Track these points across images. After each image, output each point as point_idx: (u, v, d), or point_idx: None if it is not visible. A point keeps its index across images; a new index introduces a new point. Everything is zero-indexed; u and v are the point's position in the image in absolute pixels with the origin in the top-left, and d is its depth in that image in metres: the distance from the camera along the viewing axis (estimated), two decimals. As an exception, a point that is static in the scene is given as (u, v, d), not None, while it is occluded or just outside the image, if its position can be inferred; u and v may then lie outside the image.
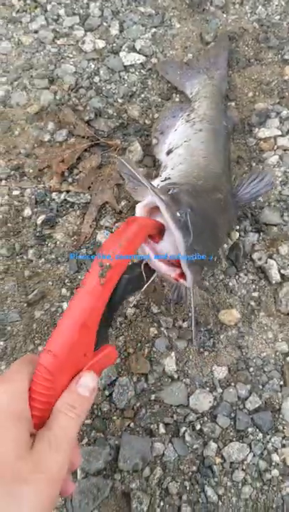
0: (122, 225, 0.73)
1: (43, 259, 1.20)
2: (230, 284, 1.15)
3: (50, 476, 0.50)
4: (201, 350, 1.08)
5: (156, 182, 1.04)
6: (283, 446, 0.99)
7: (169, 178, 1.06)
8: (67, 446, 0.54)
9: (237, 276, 1.15)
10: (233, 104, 1.41)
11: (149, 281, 0.80)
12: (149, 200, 0.85)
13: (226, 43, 1.48)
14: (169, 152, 1.22)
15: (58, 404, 0.58)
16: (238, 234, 1.19)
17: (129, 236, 0.70)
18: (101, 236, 1.21)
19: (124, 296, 0.74)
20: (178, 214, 0.79)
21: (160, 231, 0.82)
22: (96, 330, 0.64)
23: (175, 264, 0.82)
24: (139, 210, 0.86)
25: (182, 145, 1.19)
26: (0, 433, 0.50)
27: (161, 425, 1.01)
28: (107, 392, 1.05)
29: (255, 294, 1.14)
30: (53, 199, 1.28)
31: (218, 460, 0.98)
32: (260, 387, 1.04)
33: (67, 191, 1.28)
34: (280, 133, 1.33)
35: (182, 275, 0.81)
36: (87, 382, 0.61)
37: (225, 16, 1.56)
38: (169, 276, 0.82)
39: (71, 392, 0.59)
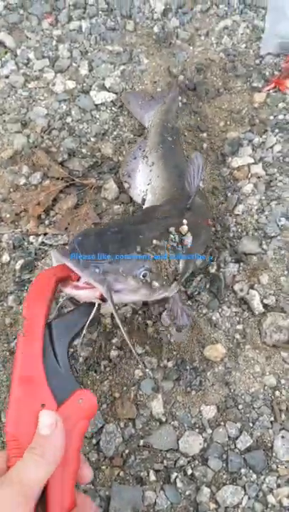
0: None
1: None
2: (214, 318, 1.13)
3: None
4: (188, 389, 1.05)
5: None
6: (278, 486, 0.95)
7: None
8: (19, 487, 0.56)
9: (220, 310, 1.14)
10: (204, 134, 1.42)
11: (91, 316, 0.80)
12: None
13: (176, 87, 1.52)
14: (143, 202, 1.24)
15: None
16: (216, 266, 1.18)
17: (31, 290, 0.76)
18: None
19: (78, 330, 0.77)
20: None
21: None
22: (44, 378, 0.67)
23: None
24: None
25: (148, 190, 1.22)
26: None
27: (151, 472, 0.98)
28: (94, 441, 1.01)
29: (240, 327, 1.12)
30: (31, 242, 1.27)
31: (213, 505, 0.94)
32: (251, 424, 1.01)
33: (45, 234, 1.27)
34: (252, 161, 1.33)
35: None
36: (44, 421, 0.63)
37: (191, 48, 1.58)
38: (93, 298, 0.80)
39: (35, 435, 0.62)
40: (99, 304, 0.81)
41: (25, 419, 0.64)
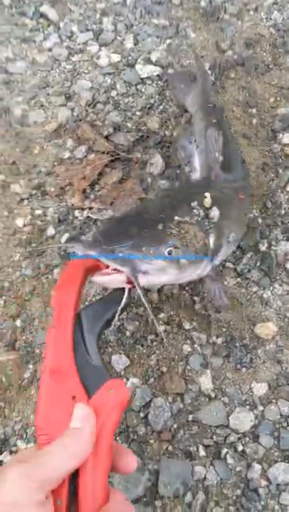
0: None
1: (69, 279, 1.17)
2: (265, 295, 1.10)
3: None
4: (238, 366, 1.03)
5: None
6: None
7: None
8: (37, 470, 0.54)
9: (271, 288, 1.11)
10: (254, 110, 1.38)
11: (122, 303, 0.76)
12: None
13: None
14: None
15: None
16: (266, 243, 1.15)
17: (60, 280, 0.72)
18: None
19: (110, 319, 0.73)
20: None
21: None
22: (75, 370, 0.65)
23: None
24: None
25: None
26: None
27: (201, 447, 0.96)
28: (142, 414, 1.00)
29: (292, 306, 1.09)
30: (76, 217, 1.25)
31: (264, 482, 0.93)
32: (303, 403, 0.99)
33: (90, 208, 1.26)
34: (304, 137, 1.29)
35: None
36: (77, 413, 0.61)
37: (240, 23, 1.54)
38: (122, 283, 0.77)
39: (68, 427, 0.60)
40: (130, 290, 0.77)
41: (56, 413, 0.62)
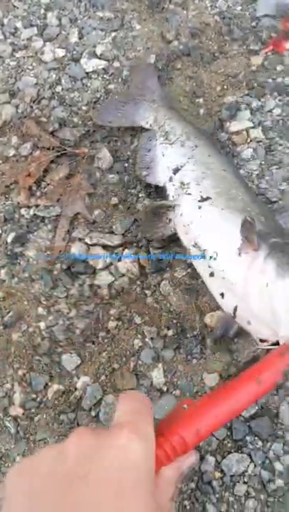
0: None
1: (16, 279, 1.14)
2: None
3: None
4: (189, 358, 1.01)
5: (188, 201, 1.07)
6: (285, 452, 0.92)
7: (210, 198, 1.05)
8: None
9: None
10: (201, 100, 1.37)
11: None
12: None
13: (150, 68, 1.41)
14: (176, 171, 1.16)
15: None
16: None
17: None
18: (75, 248, 1.15)
19: None
20: None
21: None
22: None
23: None
24: None
25: (189, 162, 1.15)
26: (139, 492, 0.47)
27: (153, 443, 0.94)
28: (93, 413, 0.98)
29: (241, 293, 1.08)
30: (22, 215, 1.22)
31: (218, 474, 0.91)
32: (255, 391, 0.98)
33: (37, 205, 1.23)
34: (251, 125, 1.28)
35: None
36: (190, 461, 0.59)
37: (185, 12, 1.52)
38: None
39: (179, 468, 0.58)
40: None
41: None
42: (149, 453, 0.50)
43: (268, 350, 0.85)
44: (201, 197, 1.06)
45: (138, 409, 0.55)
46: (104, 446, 0.48)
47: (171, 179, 1.16)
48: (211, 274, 1.00)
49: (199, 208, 1.05)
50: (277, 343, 0.87)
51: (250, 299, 0.91)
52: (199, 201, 1.06)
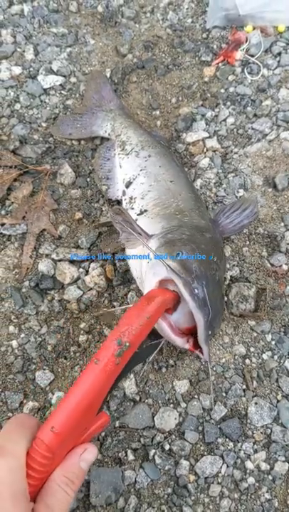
0: (142, 301, 0.73)
1: (-15, 299, 1.15)
2: (180, 293, 1.12)
3: None
4: (159, 366, 1.04)
5: (131, 215, 1.05)
6: (255, 451, 0.96)
7: (146, 211, 1.09)
8: None
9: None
10: (157, 112, 1.40)
11: (155, 352, 0.87)
12: (164, 276, 0.85)
13: (102, 78, 1.44)
14: (128, 185, 1.19)
15: (57, 478, 0.61)
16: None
17: (150, 314, 0.71)
18: (43, 265, 1.17)
19: (130, 370, 0.79)
20: (196, 291, 0.81)
21: (175, 303, 0.84)
22: (100, 405, 0.65)
23: (185, 332, 0.85)
24: (151, 283, 0.86)
25: (140, 174, 1.18)
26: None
27: (129, 451, 0.97)
28: (69, 427, 1.00)
29: (206, 300, 1.11)
30: (-12, 235, 1.23)
31: (192, 477, 0.95)
32: (224, 394, 1.02)
33: (2, 224, 1.24)
34: (207, 135, 1.33)
35: (195, 345, 0.85)
36: (89, 457, 0.63)
37: (137, 26, 1.56)
38: (182, 344, 0.85)
39: (72, 465, 0.62)
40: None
41: (68, 442, 0.62)
42: (13, 467, 0.56)
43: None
44: (140, 210, 1.11)
45: (8, 430, 0.61)
46: None
47: (124, 193, 1.20)
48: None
49: (136, 220, 1.08)
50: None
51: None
52: (138, 215, 1.10)
